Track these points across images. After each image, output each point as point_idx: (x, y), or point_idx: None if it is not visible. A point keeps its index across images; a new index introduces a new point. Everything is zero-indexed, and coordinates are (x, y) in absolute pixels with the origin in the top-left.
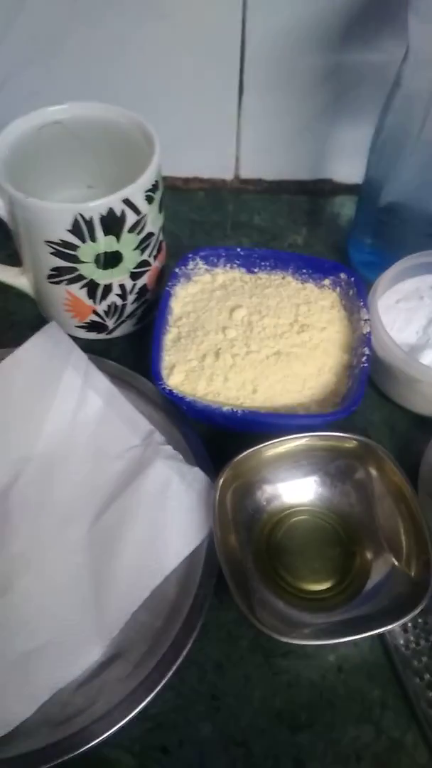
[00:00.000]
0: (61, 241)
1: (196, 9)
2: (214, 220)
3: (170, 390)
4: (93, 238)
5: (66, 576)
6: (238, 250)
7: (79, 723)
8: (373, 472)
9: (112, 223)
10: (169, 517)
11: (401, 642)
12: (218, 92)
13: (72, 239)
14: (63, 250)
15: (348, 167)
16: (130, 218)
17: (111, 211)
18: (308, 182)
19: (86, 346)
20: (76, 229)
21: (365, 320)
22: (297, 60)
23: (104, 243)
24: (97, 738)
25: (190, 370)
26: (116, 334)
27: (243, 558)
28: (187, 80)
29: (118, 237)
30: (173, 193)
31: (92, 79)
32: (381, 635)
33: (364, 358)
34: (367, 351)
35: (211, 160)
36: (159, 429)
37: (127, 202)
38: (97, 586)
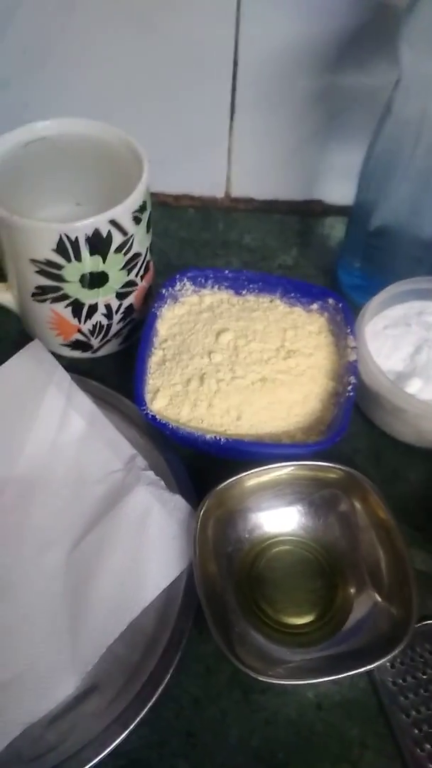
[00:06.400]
0: (46, 260)
1: (189, 27)
2: (203, 239)
3: (153, 416)
4: (78, 258)
5: (41, 605)
6: (226, 272)
7: (51, 760)
8: (357, 503)
9: (98, 244)
10: (149, 547)
11: (388, 678)
12: (210, 111)
13: (57, 259)
14: (48, 269)
15: (339, 189)
16: (117, 238)
17: (97, 232)
18: (299, 203)
19: (70, 364)
20: (61, 249)
21: (352, 347)
22: (289, 82)
23: (90, 263)
24: None
25: (175, 394)
26: (101, 353)
27: (223, 590)
28: (179, 98)
29: (104, 257)
30: (163, 209)
31: (84, 94)
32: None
33: (350, 387)
34: (353, 380)
35: (202, 178)
36: (142, 453)
37: (114, 223)
38: (74, 617)
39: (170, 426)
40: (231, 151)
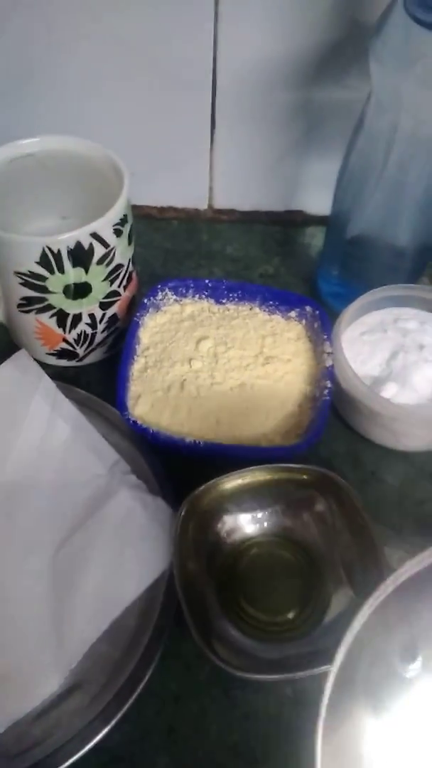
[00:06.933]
0: (30, 272)
1: (167, 45)
2: (187, 249)
3: (134, 421)
4: (61, 270)
5: (26, 605)
6: (207, 281)
7: (35, 755)
8: (333, 503)
9: (80, 256)
10: (131, 548)
11: None
12: (191, 125)
13: (40, 271)
14: (32, 281)
15: (319, 199)
16: (99, 251)
17: (79, 244)
18: (281, 213)
19: (57, 373)
20: (44, 261)
21: (329, 353)
22: (268, 96)
23: (73, 274)
24: None
25: (156, 400)
26: (87, 361)
27: (203, 589)
28: (161, 114)
29: (86, 269)
30: (148, 221)
31: (67, 111)
32: None
33: (326, 391)
34: (329, 384)
35: (185, 191)
36: (125, 458)
37: (95, 235)
38: (58, 617)
39: (151, 431)
40: (213, 164)
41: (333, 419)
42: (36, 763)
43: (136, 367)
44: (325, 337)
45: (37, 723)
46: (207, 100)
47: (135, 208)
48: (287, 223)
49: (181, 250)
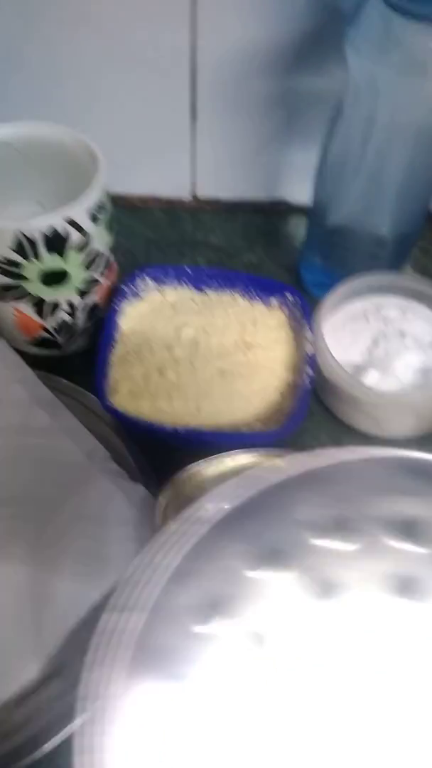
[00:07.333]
0: (5, 259)
1: (145, 33)
2: (170, 239)
3: (114, 408)
4: (37, 257)
5: (3, 591)
6: (187, 268)
7: (16, 741)
8: None
9: (55, 242)
10: (110, 534)
11: None
12: (172, 114)
13: (15, 257)
14: (7, 268)
15: (302, 189)
16: (75, 237)
17: (54, 230)
18: (264, 203)
19: (38, 362)
20: (18, 248)
21: (309, 341)
22: (248, 84)
23: (49, 261)
24: (31, 756)
25: (136, 387)
26: (69, 350)
27: None
28: (140, 102)
29: (62, 255)
30: (131, 211)
31: (46, 100)
32: None
33: (307, 379)
34: (310, 371)
35: (168, 180)
36: (105, 445)
37: (71, 221)
38: (36, 603)
39: (130, 417)
40: (195, 153)
41: (316, 407)
42: (16, 747)
43: (116, 354)
44: (307, 324)
45: (17, 709)
46: (187, 87)
47: (117, 198)
48: (271, 213)
49: (164, 240)
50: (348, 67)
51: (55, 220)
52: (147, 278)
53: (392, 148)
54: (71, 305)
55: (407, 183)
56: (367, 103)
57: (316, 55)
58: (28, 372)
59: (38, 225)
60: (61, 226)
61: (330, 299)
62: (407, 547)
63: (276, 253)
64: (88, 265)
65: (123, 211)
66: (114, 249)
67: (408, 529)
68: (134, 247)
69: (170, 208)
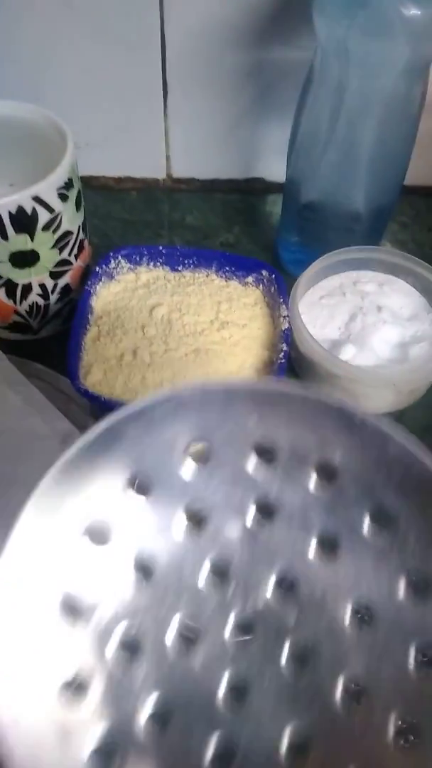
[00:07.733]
0: None
1: (113, 8)
2: (146, 220)
3: (86, 389)
4: (4, 236)
5: None
6: (161, 248)
7: None
8: None
9: (23, 221)
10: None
11: None
12: (143, 91)
13: None
14: None
15: (278, 166)
16: (43, 216)
17: (21, 209)
18: (240, 181)
19: (12, 347)
20: None
21: (285, 317)
22: (219, 58)
23: (17, 241)
24: None
25: (109, 369)
26: (43, 334)
27: None
28: (111, 80)
29: (31, 235)
30: (106, 193)
31: (16, 79)
32: None
33: (282, 354)
34: (284, 347)
35: (142, 160)
36: (80, 429)
37: (38, 199)
38: None
39: (103, 398)
40: (168, 132)
41: None
42: None
43: (89, 336)
44: (282, 301)
45: None
46: (157, 63)
47: (92, 179)
48: (247, 192)
49: (140, 221)
50: (316, 32)
51: (22, 199)
52: (121, 259)
53: (363, 118)
54: (43, 287)
55: (379, 155)
56: (337, 70)
57: (286, 24)
58: (0, 357)
59: (4, 203)
60: (29, 205)
61: (306, 275)
62: (266, 472)
63: (253, 231)
64: (59, 246)
65: (98, 193)
66: (90, 231)
67: (267, 455)
68: (110, 229)
69: (146, 188)
